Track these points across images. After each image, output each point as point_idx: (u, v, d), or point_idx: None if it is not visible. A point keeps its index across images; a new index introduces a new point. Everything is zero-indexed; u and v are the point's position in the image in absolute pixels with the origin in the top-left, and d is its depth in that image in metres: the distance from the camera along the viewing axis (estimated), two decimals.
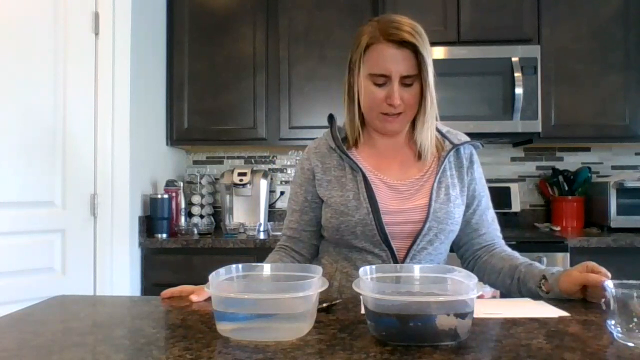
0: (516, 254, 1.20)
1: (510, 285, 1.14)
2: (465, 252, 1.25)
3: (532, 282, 1.08)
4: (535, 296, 1.07)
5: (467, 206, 1.20)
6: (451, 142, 1.19)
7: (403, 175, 1.17)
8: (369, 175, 1.14)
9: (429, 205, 1.11)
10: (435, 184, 1.13)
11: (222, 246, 2.27)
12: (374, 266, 0.87)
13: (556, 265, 2.14)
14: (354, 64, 1.14)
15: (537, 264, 1.13)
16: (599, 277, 0.95)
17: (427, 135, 1.15)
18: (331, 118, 1.27)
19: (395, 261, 1.13)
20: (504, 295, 1.28)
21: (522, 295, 1.12)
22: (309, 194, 1.22)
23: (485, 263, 1.21)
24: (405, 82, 1.08)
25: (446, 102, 2.35)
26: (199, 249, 2.27)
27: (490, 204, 1.24)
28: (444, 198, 1.13)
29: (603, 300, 0.86)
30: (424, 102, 1.11)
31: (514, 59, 2.40)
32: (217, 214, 2.81)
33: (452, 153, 1.17)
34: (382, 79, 1.08)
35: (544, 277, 1.05)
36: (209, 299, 0.91)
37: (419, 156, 1.18)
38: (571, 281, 0.99)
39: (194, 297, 1.00)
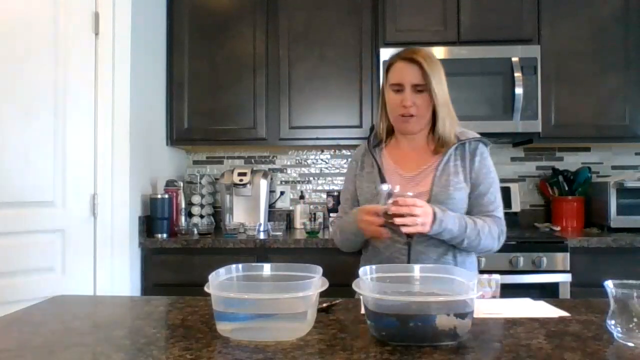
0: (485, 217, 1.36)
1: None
2: None
3: None
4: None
5: (470, 191, 1.39)
6: (458, 139, 1.41)
7: (416, 168, 1.41)
8: (387, 169, 1.43)
9: (431, 189, 1.34)
10: (438, 173, 1.36)
11: (222, 246, 2.27)
12: (373, 266, 0.87)
13: (556, 266, 2.15)
14: (384, 83, 1.44)
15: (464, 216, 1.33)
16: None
17: (447, 131, 1.39)
18: (373, 128, 1.54)
19: (408, 237, 1.31)
20: (504, 295, 1.28)
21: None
22: (354, 184, 1.49)
23: None
24: (416, 90, 1.35)
25: None
26: (199, 249, 2.27)
27: (491, 190, 1.39)
28: (444, 183, 1.35)
29: None
30: (436, 107, 1.37)
31: (514, 59, 2.40)
32: (217, 214, 2.81)
33: (458, 148, 1.40)
34: (398, 87, 1.37)
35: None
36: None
37: (436, 151, 1.41)
38: None
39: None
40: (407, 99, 1.34)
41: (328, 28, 2.57)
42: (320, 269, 0.84)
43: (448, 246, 1.34)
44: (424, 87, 1.34)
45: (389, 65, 1.41)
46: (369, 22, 2.56)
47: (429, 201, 1.31)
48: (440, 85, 1.36)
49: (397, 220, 1.19)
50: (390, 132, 1.49)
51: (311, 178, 2.95)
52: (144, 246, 2.28)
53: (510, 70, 2.39)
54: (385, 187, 1.23)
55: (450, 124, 1.40)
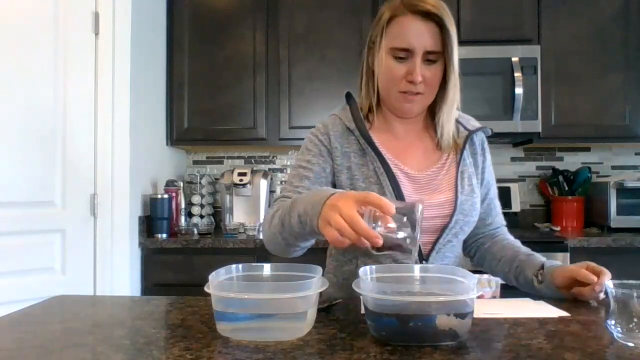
0: (518, 242, 1.20)
1: (508, 273, 1.14)
2: (468, 238, 1.20)
3: (529, 270, 1.07)
4: (530, 284, 1.07)
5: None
6: (465, 128, 1.13)
7: (422, 165, 1.10)
8: (390, 165, 1.06)
9: (456, 198, 1.05)
10: (459, 175, 1.08)
11: (222, 246, 2.27)
12: (373, 266, 0.87)
13: None
14: (373, 41, 1.07)
15: (538, 255, 1.12)
16: (589, 275, 0.94)
17: (450, 121, 1.09)
18: (349, 96, 1.14)
19: (421, 256, 1.07)
20: (504, 295, 1.28)
21: (518, 284, 1.11)
22: (327, 165, 1.10)
23: (487, 250, 1.21)
24: (428, 58, 1.01)
25: None
26: (199, 249, 2.27)
27: (497, 193, 1.22)
28: (468, 189, 1.08)
29: (594, 297, 0.90)
30: (447, 84, 1.06)
31: (514, 59, 2.40)
32: (217, 214, 2.81)
33: (468, 139, 1.12)
34: (403, 53, 1.01)
35: (542, 267, 1.05)
36: None
37: (438, 145, 1.11)
38: (563, 273, 0.99)
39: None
40: (417, 72, 1.00)
41: (328, 28, 2.57)
42: (320, 269, 0.84)
43: (457, 263, 1.14)
44: (438, 57, 1.01)
45: (390, 18, 1.02)
46: (369, 22, 2.55)
47: (452, 214, 1.04)
48: (456, 53, 1.02)
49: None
50: (373, 108, 1.12)
51: None
52: (144, 246, 2.28)
53: (510, 70, 2.39)
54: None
55: (455, 110, 1.09)
